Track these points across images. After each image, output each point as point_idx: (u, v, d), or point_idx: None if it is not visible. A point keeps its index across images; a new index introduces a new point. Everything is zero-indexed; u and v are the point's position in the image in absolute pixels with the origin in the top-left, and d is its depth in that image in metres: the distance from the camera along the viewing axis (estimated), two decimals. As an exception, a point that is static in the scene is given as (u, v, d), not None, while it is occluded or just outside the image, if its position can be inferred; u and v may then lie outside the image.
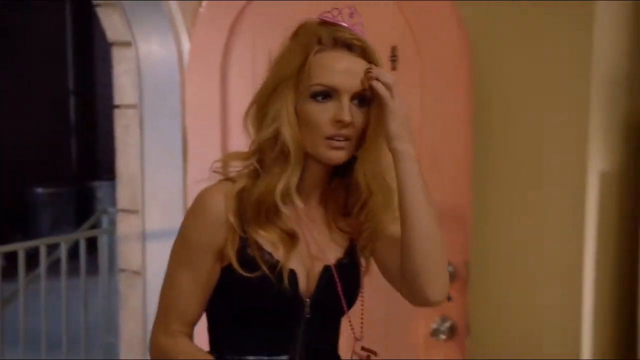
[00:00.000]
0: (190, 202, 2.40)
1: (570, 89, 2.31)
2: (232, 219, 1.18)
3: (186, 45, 2.54)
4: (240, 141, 2.45)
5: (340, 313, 1.25)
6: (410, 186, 1.18)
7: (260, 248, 1.18)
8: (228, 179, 1.24)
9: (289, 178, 1.17)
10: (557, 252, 2.37)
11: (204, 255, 1.21)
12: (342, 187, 1.26)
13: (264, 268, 1.17)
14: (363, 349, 1.23)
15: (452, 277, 1.88)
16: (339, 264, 1.24)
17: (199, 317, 1.27)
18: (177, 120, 2.48)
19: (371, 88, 1.18)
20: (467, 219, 1.96)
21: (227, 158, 1.27)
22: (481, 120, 2.35)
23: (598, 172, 2.39)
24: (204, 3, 2.44)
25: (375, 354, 1.24)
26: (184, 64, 2.49)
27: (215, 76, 2.37)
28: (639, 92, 2.43)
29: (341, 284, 1.22)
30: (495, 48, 2.38)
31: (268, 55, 2.36)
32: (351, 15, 1.20)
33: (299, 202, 1.18)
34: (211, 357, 1.22)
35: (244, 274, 1.17)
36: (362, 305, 1.26)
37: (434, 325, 1.92)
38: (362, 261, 1.29)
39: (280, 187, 1.16)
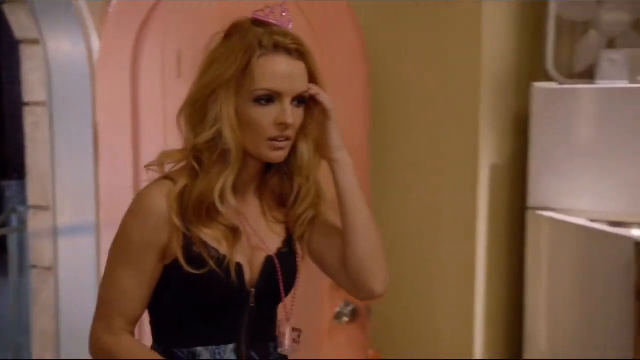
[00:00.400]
0: (102, 197, 2.46)
1: (462, 86, 2.47)
2: (175, 219, 1.20)
3: (96, 43, 2.57)
4: (152, 138, 2.52)
5: (280, 299, 1.31)
6: (350, 192, 1.28)
7: (205, 244, 1.21)
8: (166, 177, 1.25)
9: (226, 178, 1.20)
10: (451, 241, 2.54)
11: (147, 255, 1.22)
12: (276, 179, 1.31)
13: (212, 264, 1.20)
14: (294, 329, 1.32)
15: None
16: (279, 253, 1.30)
17: (141, 315, 1.28)
18: (88, 118, 2.51)
19: (312, 98, 1.26)
20: (366, 209, 2.10)
21: (162, 158, 1.28)
22: (378, 116, 2.49)
23: (489, 164, 2.57)
24: (112, 2, 2.48)
25: (300, 331, 1.34)
26: (94, 62, 2.53)
27: (125, 74, 2.41)
28: (526, 88, 2.62)
29: (282, 272, 1.28)
30: (391, 47, 2.51)
31: (177, 54, 2.44)
32: (283, 13, 1.24)
33: (233, 201, 1.21)
34: (155, 354, 1.25)
35: (192, 271, 1.19)
36: (295, 290, 1.33)
37: (337, 309, 2.04)
38: (299, 249, 1.34)
39: (218, 187, 1.19)
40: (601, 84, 2.52)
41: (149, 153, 2.49)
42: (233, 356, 1.25)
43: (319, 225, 1.33)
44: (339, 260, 1.31)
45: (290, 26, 1.24)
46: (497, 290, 2.69)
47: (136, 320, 1.28)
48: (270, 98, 1.20)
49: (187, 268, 1.20)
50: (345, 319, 2.02)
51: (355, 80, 2.09)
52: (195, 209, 1.21)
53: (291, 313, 1.33)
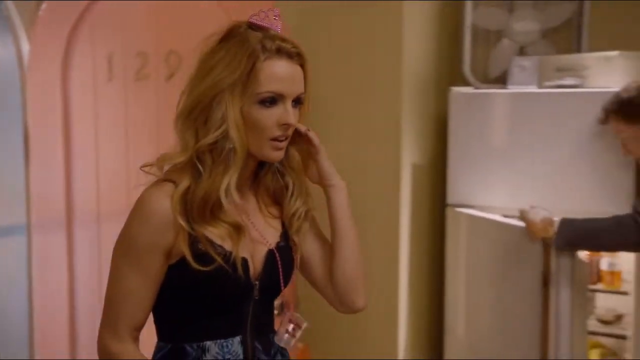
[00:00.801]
0: (33, 199, 2.48)
1: (384, 87, 2.58)
2: (180, 219, 1.23)
3: (25, 45, 2.59)
4: (83, 141, 2.55)
5: (280, 290, 1.37)
6: (344, 214, 1.39)
7: (211, 242, 1.24)
8: (165, 179, 1.28)
9: (231, 177, 1.24)
10: (375, 237, 2.64)
11: (154, 257, 1.25)
12: (269, 176, 1.35)
13: (219, 260, 1.23)
14: (291, 321, 1.38)
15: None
16: (278, 246, 1.34)
17: (147, 318, 1.30)
18: (19, 120, 2.52)
19: (300, 133, 1.34)
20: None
21: (162, 160, 1.29)
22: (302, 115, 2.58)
23: (410, 164, 2.70)
24: (43, 5, 2.50)
25: (299, 326, 1.41)
26: (24, 65, 2.54)
27: (56, 77, 2.44)
28: (445, 91, 2.76)
29: (282, 265, 1.33)
30: (316, 48, 2.60)
31: (108, 58, 2.48)
32: (274, 17, 1.29)
33: (237, 198, 1.25)
34: None
35: (201, 268, 1.23)
36: (292, 282, 1.39)
37: (266, 303, 2.12)
38: (294, 243, 1.38)
39: (223, 185, 1.23)
40: (512, 89, 2.69)
41: (80, 155, 2.54)
42: (239, 348, 1.30)
43: (310, 239, 1.41)
44: (326, 274, 1.41)
45: (279, 29, 1.30)
46: (420, 284, 2.82)
47: (142, 324, 1.30)
48: (273, 100, 1.25)
49: (195, 266, 1.23)
50: (275, 312, 2.11)
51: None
52: (200, 208, 1.25)
53: (290, 304, 1.42)
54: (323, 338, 2.69)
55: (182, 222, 1.23)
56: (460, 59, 2.90)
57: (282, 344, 1.37)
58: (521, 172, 2.63)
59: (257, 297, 1.31)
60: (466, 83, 2.88)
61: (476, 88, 2.82)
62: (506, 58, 2.84)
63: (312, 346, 2.68)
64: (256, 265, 1.31)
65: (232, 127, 1.23)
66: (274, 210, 1.38)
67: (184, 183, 1.25)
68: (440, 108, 2.83)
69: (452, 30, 2.98)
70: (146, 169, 1.29)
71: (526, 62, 2.70)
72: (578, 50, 2.87)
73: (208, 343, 1.29)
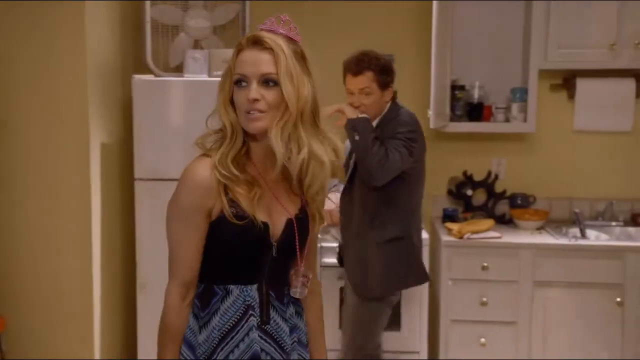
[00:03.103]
0: None
1: (71, 79, 2.80)
2: (217, 185, 1.52)
3: None
4: None
5: (295, 254, 1.64)
6: None
7: (239, 206, 1.53)
8: (204, 154, 1.56)
9: (229, 150, 1.54)
10: (68, 213, 2.86)
11: (201, 216, 1.53)
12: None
13: (251, 216, 1.53)
14: (304, 276, 1.67)
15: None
16: (297, 217, 1.62)
17: (199, 266, 1.58)
18: None
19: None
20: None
21: (206, 136, 1.59)
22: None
23: (99, 143, 2.95)
24: None
25: (308, 278, 1.69)
26: None
27: None
28: (130, 79, 3.08)
29: (298, 233, 1.62)
30: (4, 46, 2.74)
31: None
32: (283, 22, 1.55)
33: (233, 170, 1.53)
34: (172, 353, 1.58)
35: (238, 223, 1.52)
36: (306, 247, 1.66)
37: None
38: (310, 214, 1.66)
39: (217, 157, 1.52)
40: (187, 77, 3.10)
41: None
42: (256, 294, 1.60)
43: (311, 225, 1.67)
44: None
45: (279, 30, 1.53)
46: (113, 252, 3.11)
47: (197, 273, 1.58)
48: (243, 80, 1.51)
49: (233, 221, 1.53)
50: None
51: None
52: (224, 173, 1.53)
53: (302, 265, 1.67)
54: (20, 307, 2.87)
55: (220, 187, 1.53)
56: (143, 51, 3.23)
57: (297, 296, 1.68)
58: (196, 148, 3.01)
59: (275, 255, 1.61)
60: (150, 71, 3.21)
61: (157, 76, 3.17)
62: (183, 50, 3.23)
63: (10, 316, 2.84)
64: (277, 229, 1.61)
65: (220, 107, 1.55)
66: (296, 188, 1.65)
67: (215, 156, 1.55)
68: (126, 94, 3.14)
69: (134, 23, 3.29)
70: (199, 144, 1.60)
71: (198, 54, 3.13)
72: (243, 45, 3.36)
73: (231, 286, 1.59)
